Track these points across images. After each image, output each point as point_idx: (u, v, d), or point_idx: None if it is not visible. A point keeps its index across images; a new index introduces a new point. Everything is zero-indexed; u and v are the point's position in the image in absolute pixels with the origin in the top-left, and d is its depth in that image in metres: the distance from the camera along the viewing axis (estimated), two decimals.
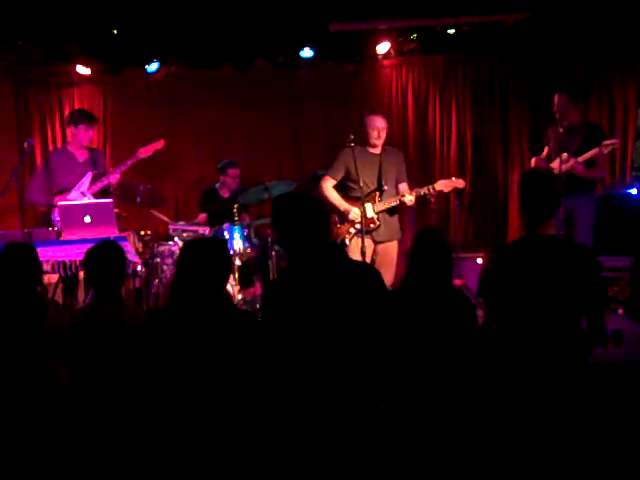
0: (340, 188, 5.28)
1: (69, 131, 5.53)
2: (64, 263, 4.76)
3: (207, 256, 2.62)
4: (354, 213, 5.06)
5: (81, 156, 5.45)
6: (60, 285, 5.05)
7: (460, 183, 5.21)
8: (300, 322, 2.46)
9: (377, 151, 5.19)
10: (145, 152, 5.47)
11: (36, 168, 6.08)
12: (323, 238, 2.59)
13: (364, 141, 5.21)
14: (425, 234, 3.13)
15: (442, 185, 5.15)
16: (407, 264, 3.07)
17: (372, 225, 5.12)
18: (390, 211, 5.18)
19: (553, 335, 2.75)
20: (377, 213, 5.14)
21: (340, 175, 5.25)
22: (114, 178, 5.36)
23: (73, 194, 5.23)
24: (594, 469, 2.87)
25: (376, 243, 5.15)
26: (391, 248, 5.21)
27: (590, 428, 2.86)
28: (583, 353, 2.82)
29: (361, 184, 4.89)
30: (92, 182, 5.30)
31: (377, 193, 5.16)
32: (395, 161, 5.29)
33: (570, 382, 2.74)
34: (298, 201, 2.66)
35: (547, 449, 2.71)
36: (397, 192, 5.22)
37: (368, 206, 5.08)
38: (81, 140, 5.42)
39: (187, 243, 2.94)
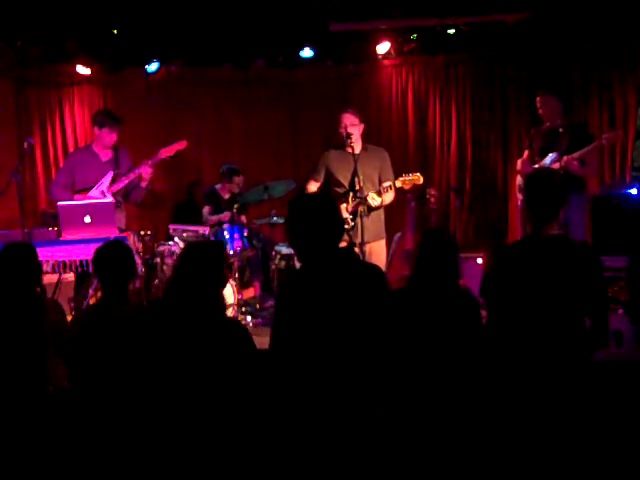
0: (328, 192, 5.23)
1: (93, 132, 5.47)
2: (64, 263, 4.76)
3: (205, 260, 2.66)
4: None
5: (105, 156, 5.41)
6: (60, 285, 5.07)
7: (418, 180, 4.98)
8: (310, 324, 2.46)
9: (355, 150, 4.94)
10: (166, 152, 5.39)
11: (61, 165, 6.12)
12: (335, 241, 2.59)
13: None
14: (433, 234, 3.13)
15: (401, 182, 4.97)
16: (414, 263, 3.05)
17: (345, 226, 5.06)
18: (370, 211, 4.98)
19: (556, 336, 2.74)
20: (350, 214, 5.04)
21: (321, 177, 5.21)
22: (144, 170, 5.28)
23: (93, 192, 5.24)
24: (595, 468, 2.88)
25: (352, 245, 4.96)
26: (375, 249, 5.07)
27: (590, 428, 2.85)
28: (586, 354, 2.82)
29: (339, 185, 4.89)
30: (112, 181, 5.30)
31: (351, 194, 5.05)
32: (375, 160, 5.10)
33: (573, 383, 2.74)
34: (314, 203, 2.65)
35: (548, 449, 2.71)
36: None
37: (342, 207, 5.03)
38: (104, 141, 5.38)
39: (189, 246, 2.96)
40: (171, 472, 2.46)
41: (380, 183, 5.08)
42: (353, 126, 5.02)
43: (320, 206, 2.61)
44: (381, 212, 5.18)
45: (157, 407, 2.52)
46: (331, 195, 2.88)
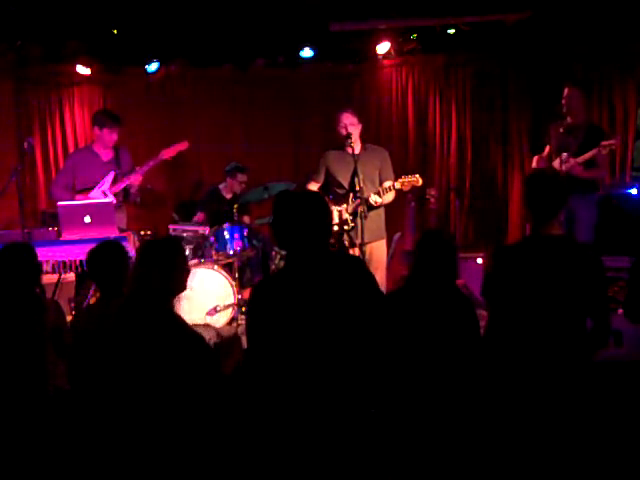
0: (329, 192, 5.24)
1: (93, 132, 5.49)
2: (64, 263, 4.76)
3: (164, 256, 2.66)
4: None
5: (106, 155, 5.43)
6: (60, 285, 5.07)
7: (417, 181, 4.95)
8: (283, 323, 2.41)
9: (354, 150, 4.95)
10: (168, 153, 5.41)
11: (62, 165, 6.22)
12: (322, 239, 2.54)
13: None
14: (431, 234, 3.13)
15: (400, 183, 4.95)
16: (412, 263, 3.05)
17: (346, 227, 5.07)
18: (370, 210, 4.93)
19: (558, 336, 2.74)
20: (350, 214, 5.03)
21: (321, 177, 5.20)
22: (135, 179, 5.32)
23: (94, 192, 5.25)
24: (595, 468, 2.88)
25: (353, 245, 4.97)
26: (376, 249, 5.07)
27: (590, 428, 2.85)
28: (587, 354, 2.82)
29: (337, 185, 4.91)
30: (114, 181, 5.31)
31: (351, 194, 5.03)
32: (375, 160, 5.09)
33: (574, 383, 2.74)
34: (296, 200, 2.60)
35: (548, 449, 2.71)
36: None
37: (342, 208, 5.05)
38: (105, 141, 5.40)
39: (145, 243, 2.94)
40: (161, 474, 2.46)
41: (380, 183, 5.08)
42: (352, 126, 5.02)
43: (298, 203, 2.53)
44: (381, 212, 5.17)
45: (125, 410, 2.52)
46: (318, 194, 2.76)
